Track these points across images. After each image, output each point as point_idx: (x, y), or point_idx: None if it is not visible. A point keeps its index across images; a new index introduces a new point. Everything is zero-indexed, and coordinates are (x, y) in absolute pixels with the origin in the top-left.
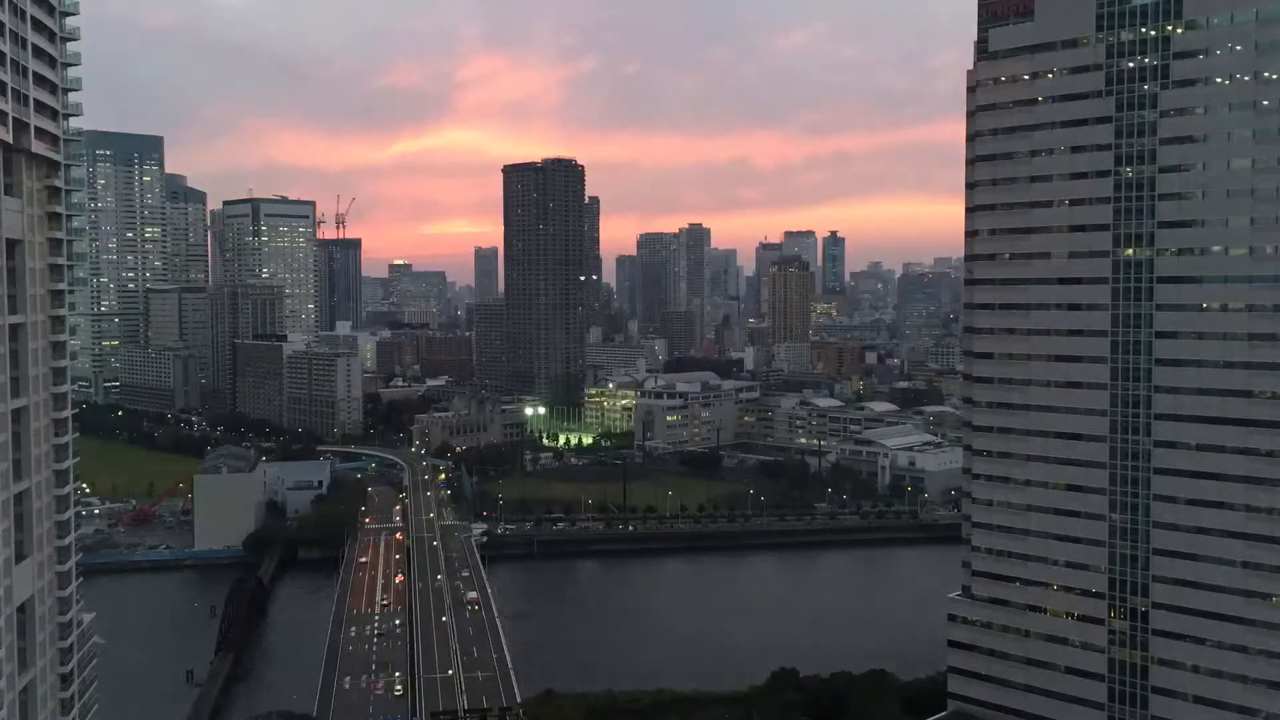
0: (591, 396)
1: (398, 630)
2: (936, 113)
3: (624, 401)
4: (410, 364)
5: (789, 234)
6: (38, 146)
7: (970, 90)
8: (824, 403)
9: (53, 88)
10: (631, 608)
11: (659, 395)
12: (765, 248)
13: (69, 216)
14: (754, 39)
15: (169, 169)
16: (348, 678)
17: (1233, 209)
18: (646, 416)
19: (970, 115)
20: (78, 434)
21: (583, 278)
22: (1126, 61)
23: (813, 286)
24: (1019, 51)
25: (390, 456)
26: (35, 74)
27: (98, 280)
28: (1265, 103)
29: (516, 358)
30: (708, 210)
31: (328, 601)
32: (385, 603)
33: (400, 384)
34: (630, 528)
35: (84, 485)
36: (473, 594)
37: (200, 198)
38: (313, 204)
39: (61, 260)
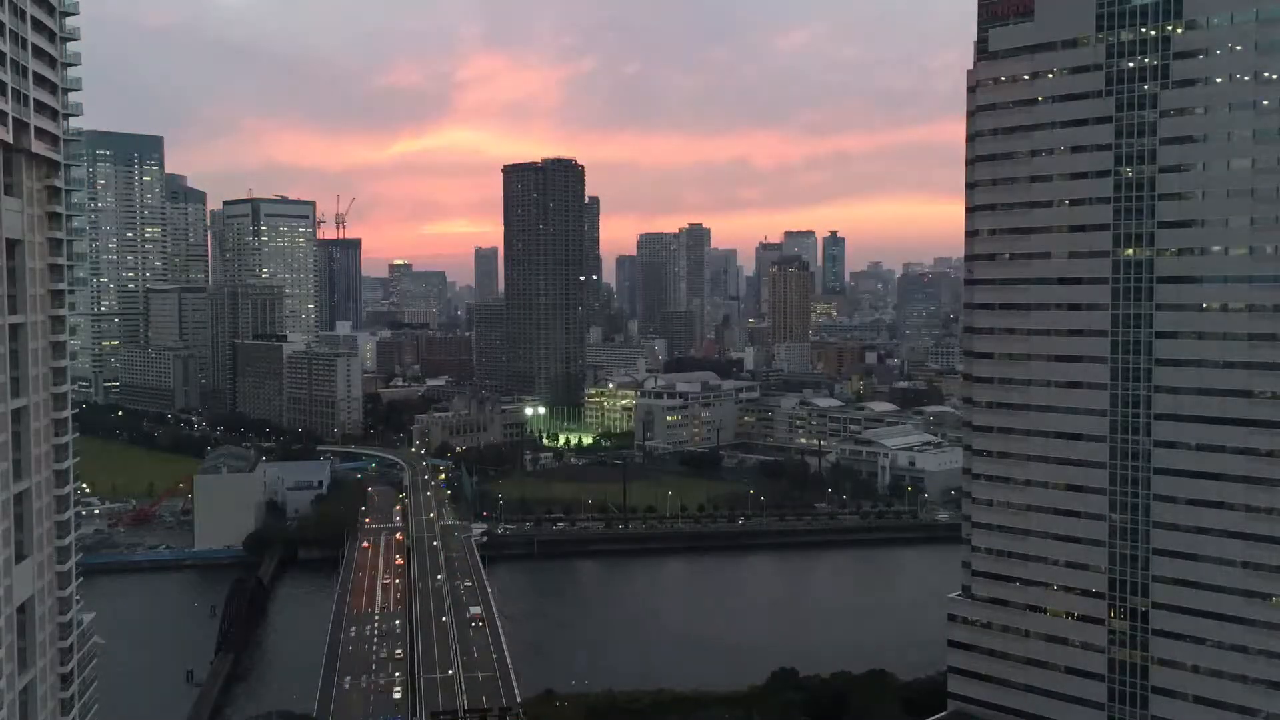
0: (591, 396)
1: (398, 630)
2: (936, 113)
3: (624, 401)
4: (410, 364)
5: (789, 234)
6: (38, 146)
7: (970, 90)
8: (824, 403)
9: (53, 88)
10: (631, 608)
11: (659, 395)
12: (765, 248)
13: (69, 216)
14: (754, 39)
15: (169, 169)
16: (348, 678)
17: (1233, 209)
18: (646, 416)
19: (970, 115)
20: (78, 434)
21: (583, 278)
22: (1126, 61)
23: (813, 286)
24: (1019, 51)
25: (390, 456)
26: (35, 74)
27: (98, 280)
28: (1265, 103)
29: (516, 358)
30: (708, 210)
31: (328, 601)
32: (385, 603)
33: (400, 384)
34: (626, 527)
35: (84, 485)
36: (476, 609)
37: (200, 198)
38: (313, 204)
39: (61, 260)
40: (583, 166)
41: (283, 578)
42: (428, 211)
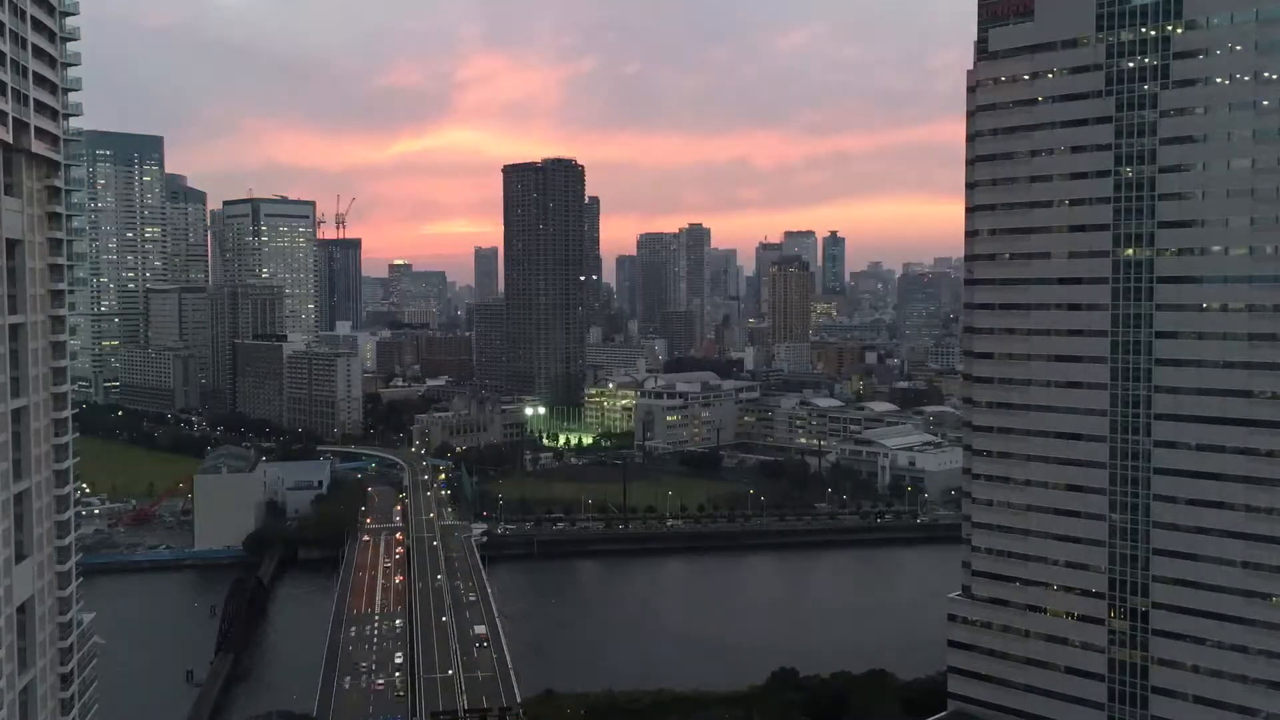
0: (591, 396)
1: (398, 630)
2: (936, 113)
3: (624, 401)
4: (410, 364)
5: (789, 234)
6: (38, 146)
7: (970, 90)
8: (824, 403)
9: (53, 88)
10: (631, 608)
11: (659, 395)
12: (765, 248)
13: (69, 216)
14: (754, 39)
15: (169, 169)
16: (348, 678)
17: (1233, 209)
18: (646, 416)
19: (970, 115)
20: (78, 434)
21: (583, 278)
22: (1126, 61)
23: (813, 286)
24: (1019, 51)
25: (390, 456)
26: (35, 74)
27: (98, 280)
28: (1265, 103)
29: (516, 358)
30: (708, 210)
31: (328, 601)
32: (385, 603)
33: (400, 384)
34: (626, 527)
35: (84, 485)
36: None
37: (200, 198)
38: (313, 204)
39: (61, 260)
40: (583, 166)
41: (283, 578)
42: (428, 211)
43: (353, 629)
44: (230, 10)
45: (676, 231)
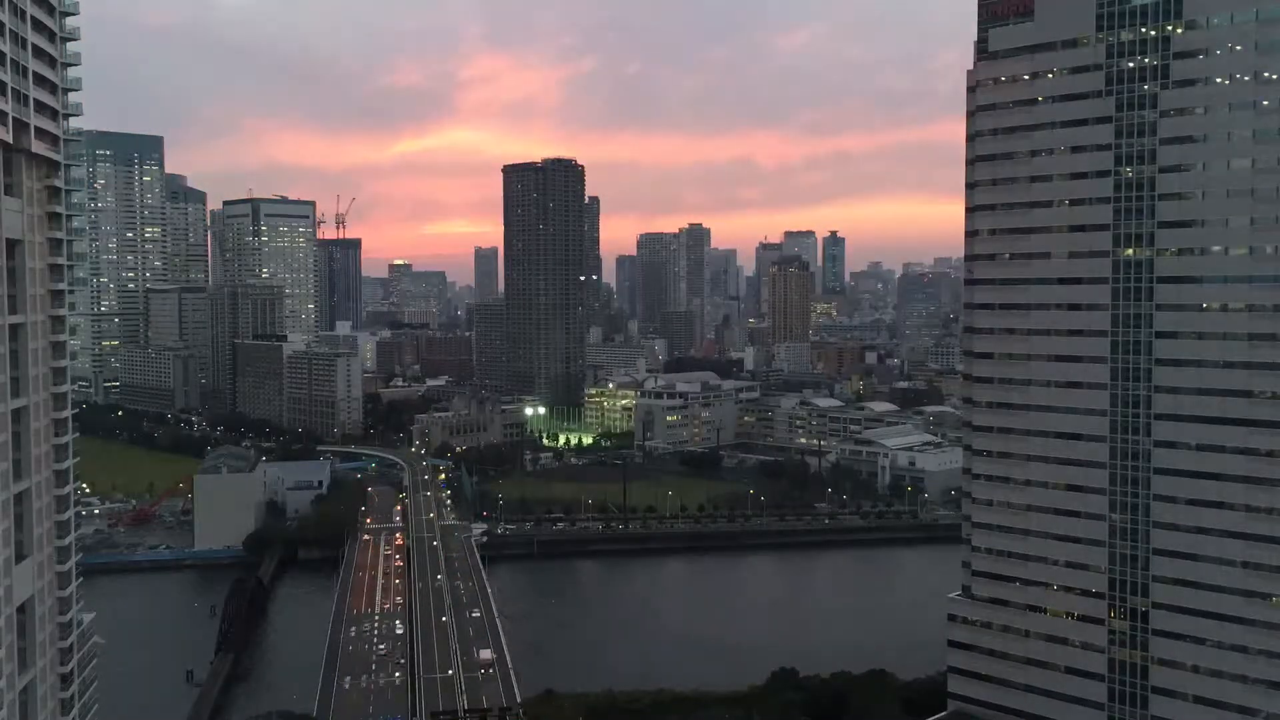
0: (591, 396)
1: (398, 630)
2: (938, 113)
3: (624, 401)
4: (410, 364)
5: (789, 234)
6: (38, 146)
7: (970, 90)
8: (824, 403)
9: (53, 88)
10: (631, 608)
11: (659, 395)
12: (765, 248)
13: (69, 216)
14: (755, 39)
15: (169, 169)
16: (348, 678)
17: (1233, 209)
18: (646, 416)
19: (970, 115)
20: (78, 434)
21: (583, 278)
22: (1126, 61)
23: (813, 286)
24: (1019, 51)
25: (390, 456)
26: (35, 74)
27: (98, 280)
28: (1265, 103)
29: (516, 358)
30: (708, 210)
31: (328, 601)
32: (385, 603)
33: (400, 384)
34: (626, 527)
35: (84, 485)
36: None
37: (200, 198)
38: (313, 204)
39: (61, 260)
40: (583, 166)
41: (283, 578)
42: (428, 211)
43: (353, 629)
44: (231, 10)
45: (676, 231)
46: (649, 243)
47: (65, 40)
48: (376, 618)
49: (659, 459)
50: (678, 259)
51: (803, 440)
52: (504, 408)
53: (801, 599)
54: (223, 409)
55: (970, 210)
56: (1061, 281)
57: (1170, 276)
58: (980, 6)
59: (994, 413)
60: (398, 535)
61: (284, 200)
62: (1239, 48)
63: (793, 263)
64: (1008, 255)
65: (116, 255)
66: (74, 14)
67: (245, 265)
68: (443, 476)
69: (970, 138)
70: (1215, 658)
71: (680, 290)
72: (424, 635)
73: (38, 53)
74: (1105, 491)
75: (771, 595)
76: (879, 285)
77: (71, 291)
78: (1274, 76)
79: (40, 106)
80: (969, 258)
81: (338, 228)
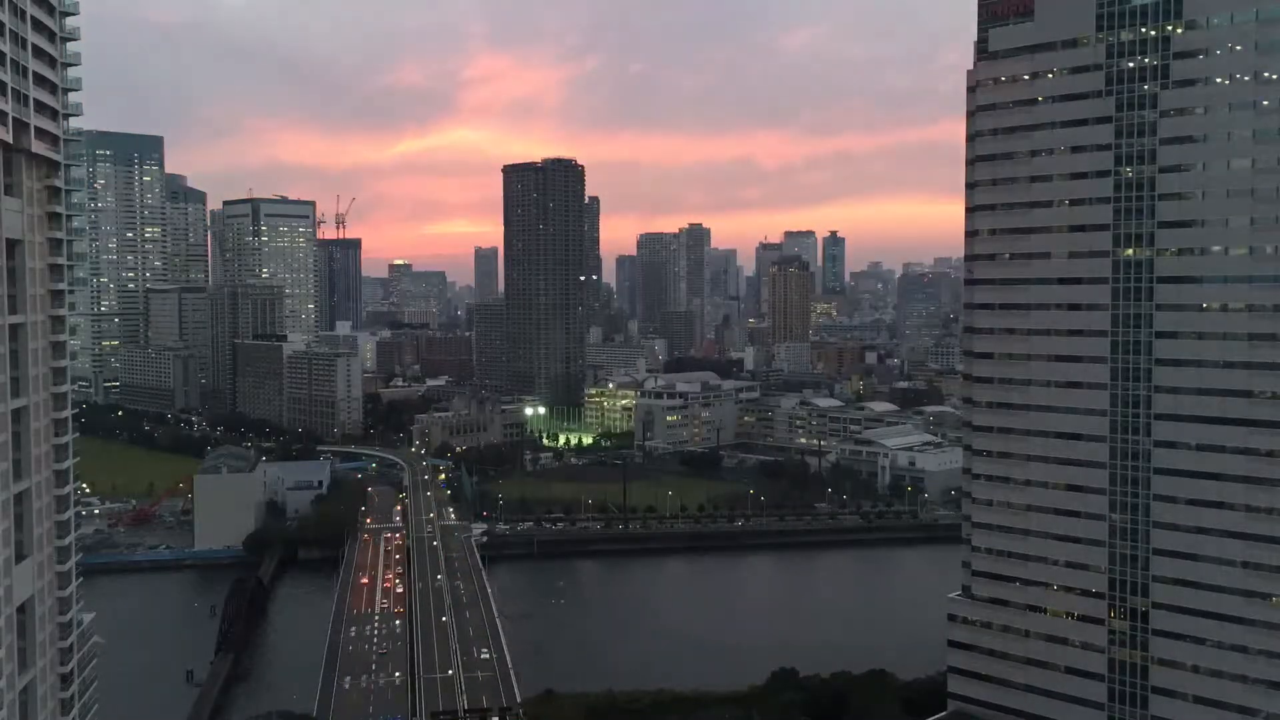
0: (591, 396)
1: (398, 630)
2: (939, 112)
3: (624, 401)
4: (410, 364)
5: (789, 234)
6: (38, 146)
7: (970, 90)
8: (824, 403)
9: (53, 88)
10: (631, 608)
11: (659, 395)
12: (765, 248)
13: (69, 216)
14: (758, 38)
15: (171, 169)
16: (348, 678)
17: (1233, 209)
18: (646, 416)
19: (970, 115)
20: (78, 434)
21: (583, 278)
22: (1126, 61)
23: (813, 286)
24: (1019, 51)
25: (390, 456)
26: (35, 74)
27: (98, 280)
28: (1265, 103)
29: (516, 358)
30: (708, 210)
31: (328, 601)
32: (385, 603)
33: (400, 384)
34: (626, 527)
35: (84, 485)
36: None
37: (200, 198)
38: (313, 204)
39: (61, 260)
40: (583, 166)
41: (283, 578)
42: (428, 211)
43: (353, 629)
44: (233, 9)
45: (676, 231)
46: (649, 243)
47: (65, 40)
48: (376, 618)
49: (659, 459)
50: (678, 259)
51: (803, 440)
52: (504, 408)
53: (801, 599)
54: (223, 409)
55: (970, 210)
56: (1061, 281)
57: (1170, 276)
58: (980, 6)
59: (994, 413)
60: (398, 535)
61: (284, 200)
62: (1239, 48)
63: (793, 263)
64: (1008, 255)
65: (116, 255)
66: (74, 14)
67: (245, 265)
68: (443, 476)
69: (970, 138)
70: (1215, 658)
71: (680, 290)
72: (424, 635)
73: (38, 53)
74: (1105, 491)
75: (771, 595)
76: (879, 285)
77: (71, 291)
78: (1274, 76)
79: (40, 106)
80: (969, 258)
81: (338, 228)
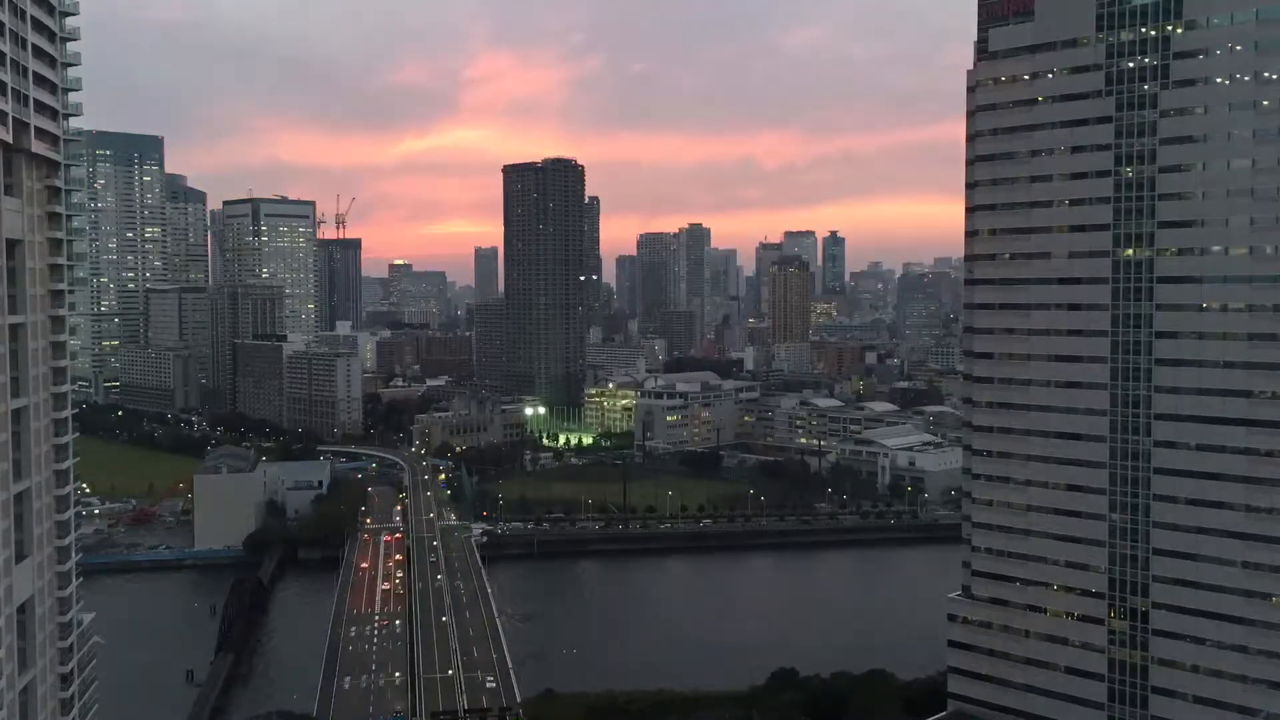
0: (591, 396)
1: (398, 630)
2: (940, 113)
3: (624, 401)
4: (410, 364)
5: (789, 234)
6: (38, 146)
7: (970, 90)
8: (824, 403)
9: (53, 88)
10: (631, 608)
11: (659, 395)
12: (765, 247)
13: (69, 216)
14: (761, 38)
15: (173, 169)
16: (348, 678)
17: (1233, 209)
18: (646, 416)
19: (970, 115)
20: (78, 434)
21: (583, 278)
22: (1126, 61)
23: (813, 286)
24: (1019, 51)
25: (390, 456)
26: (35, 74)
27: (98, 280)
28: (1265, 103)
29: (516, 358)
30: (709, 210)
31: (328, 601)
32: (385, 603)
33: (400, 384)
34: (626, 527)
35: (84, 485)
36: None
37: (200, 198)
38: (313, 204)
39: (61, 260)
40: (582, 167)
41: (283, 578)
42: (428, 211)
43: (353, 629)
44: (234, 9)
45: (676, 231)
46: (649, 243)
47: (65, 40)
48: (376, 618)
49: (659, 459)
50: (678, 259)
51: (803, 440)
52: (504, 408)
53: (801, 599)
54: (223, 409)
55: (970, 210)
56: (1061, 281)
57: (1170, 276)
58: (980, 6)
59: (994, 413)
60: (398, 535)
61: (284, 200)
62: (1239, 48)
63: (793, 263)
64: (1008, 255)
65: (116, 255)
66: (74, 14)
67: (245, 265)
68: (443, 476)
69: (970, 138)
70: (1215, 658)
71: (680, 290)
72: (424, 635)
73: (38, 53)
74: (1105, 491)
75: (771, 595)
76: (879, 285)
77: (71, 291)
78: (1274, 76)
79: (40, 106)
80: (969, 258)
81: (338, 228)
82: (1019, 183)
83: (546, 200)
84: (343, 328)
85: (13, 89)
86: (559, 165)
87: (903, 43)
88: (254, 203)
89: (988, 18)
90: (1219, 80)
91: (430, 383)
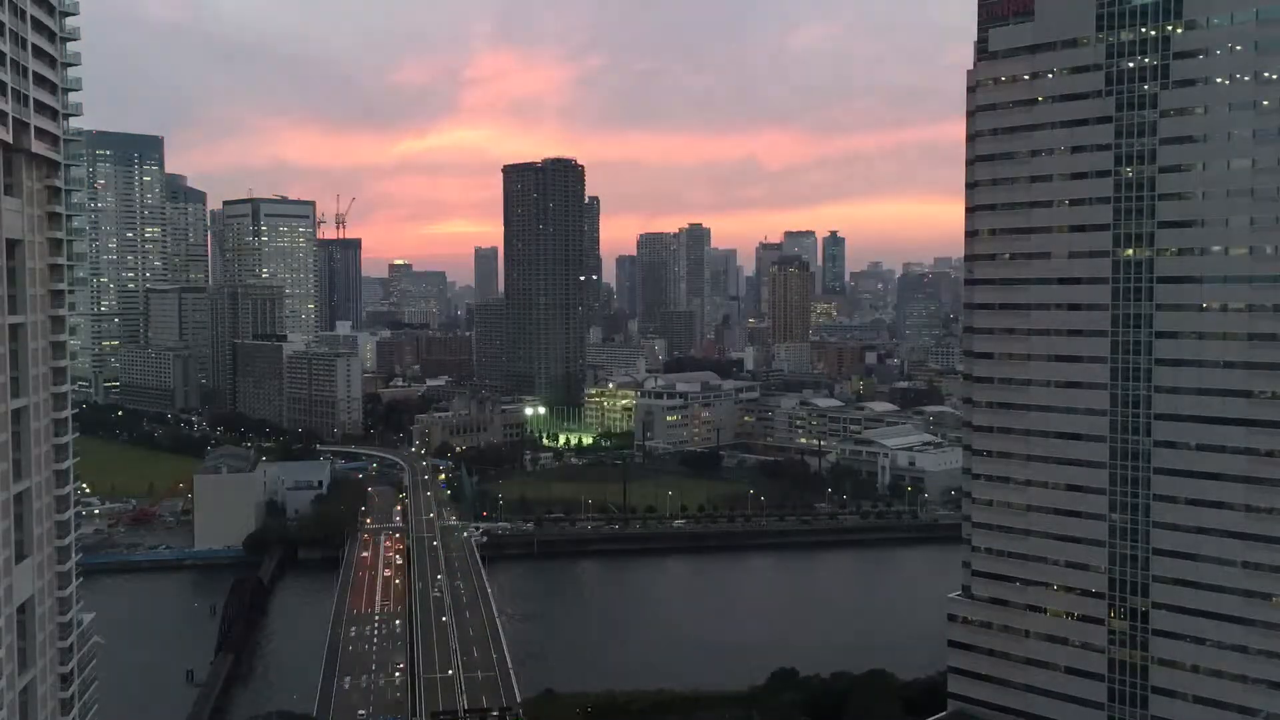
0: (591, 396)
1: (398, 630)
2: (941, 112)
3: (624, 401)
4: (410, 364)
5: (789, 234)
6: (38, 146)
7: (970, 90)
8: (824, 403)
9: (53, 88)
10: (631, 608)
11: (659, 395)
12: (765, 247)
13: (69, 216)
14: (762, 38)
15: (173, 168)
16: (348, 678)
17: (1233, 209)
18: (646, 416)
19: (970, 115)
20: (78, 434)
21: (583, 278)
22: (1126, 61)
23: (813, 286)
24: (1019, 51)
25: (390, 456)
26: (35, 74)
27: (98, 280)
28: (1265, 103)
29: (516, 358)
30: (709, 210)
31: (328, 601)
32: (385, 603)
33: (400, 384)
34: (622, 527)
35: (84, 485)
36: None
37: (200, 197)
38: (313, 204)
39: (61, 260)
40: (582, 166)
41: (283, 578)
42: (428, 211)
43: (353, 629)
44: (235, 9)
45: (676, 231)
46: (649, 242)
47: (65, 40)
48: (376, 618)
49: (659, 459)
50: (678, 259)
51: (803, 440)
52: (504, 408)
53: (801, 599)
54: (223, 409)
55: (970, 210)
56: (1061, 281)
57: (1170, 276)
58: (980, 6)
59: (994, 413)
60: (398, 535)
61: (284, 200)
62: (1239, 48)
63: (793, 263)
64: (1008, 255)
65: (116, 255)
66: (74, 14)
67: (245, 265)
68: (443, 476)
69: (970, 138)
70: (1215, 658)
71: (680, 290)
72: (424, 635)
73: (38, 53)
74: (1105, 491)
75: (771, 595)
76: (879, 285)
77: (71, 291)
78: (1274, 76)
79: (40, 106)
80: (969, 258)
81: (338, 228)
82: (1019, 183)
83: (546, 200)
84: (343, 328)
85: (13, 89)
86: (559, 165)
87: (903, 43)
88: (254, 203)
89: (988, 18)
90: (1219, 80)
91: (430, 383)
